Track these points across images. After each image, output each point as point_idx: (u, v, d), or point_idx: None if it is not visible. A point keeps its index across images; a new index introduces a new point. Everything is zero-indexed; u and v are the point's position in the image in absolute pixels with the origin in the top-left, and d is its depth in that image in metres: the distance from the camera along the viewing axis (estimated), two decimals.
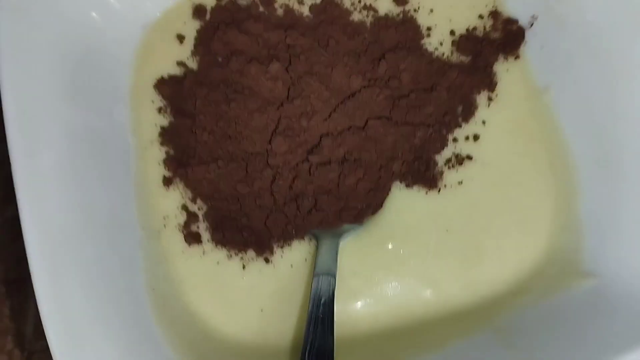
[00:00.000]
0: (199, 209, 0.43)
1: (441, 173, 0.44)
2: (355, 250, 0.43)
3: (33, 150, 0.37)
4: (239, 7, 0.47)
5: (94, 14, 0.43)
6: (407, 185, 0.43)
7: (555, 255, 0.41)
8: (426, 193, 0.43)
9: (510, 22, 0.46)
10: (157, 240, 0.43)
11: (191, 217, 0.43)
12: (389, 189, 0.43)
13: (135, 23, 0.45)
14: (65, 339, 0.35)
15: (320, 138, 0.43)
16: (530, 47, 0.45)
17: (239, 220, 0.43)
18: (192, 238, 0.43)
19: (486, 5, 0.46)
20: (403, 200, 0.43)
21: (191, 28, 0.46)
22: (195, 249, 0.43)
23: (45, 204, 0.37)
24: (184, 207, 0.43)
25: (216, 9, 0.47)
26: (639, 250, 0.38)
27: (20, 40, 0.38)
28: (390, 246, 0.43)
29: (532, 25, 0.45)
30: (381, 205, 0.43)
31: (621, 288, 0.38)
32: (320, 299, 0.39)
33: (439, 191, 0.43)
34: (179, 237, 0.43)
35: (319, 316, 0.38)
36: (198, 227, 0.43)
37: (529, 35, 0.45)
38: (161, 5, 0.46)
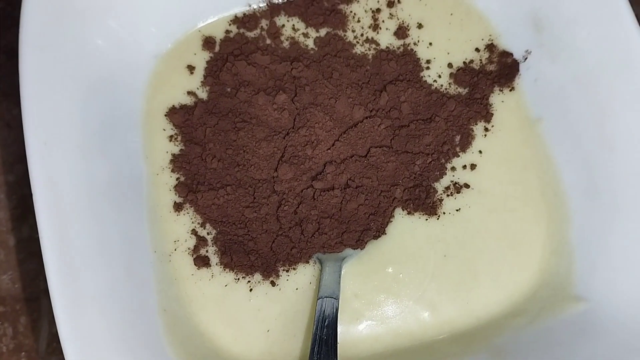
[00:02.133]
0: (208, 233, 0.45)
1: (440, 200, 0.46)
2: (357, 274, 0.45)
3: (53, 177, 0.39)
4: (247, 39, 0.49)
5: (110, 47, 0.45)
6: (409, 213, 0.45)
7: (547, 279, 0.43)
8: (426, 219, 0.45)
9: (506, 55, 0.48)
10: (169, 263, 0.44)
11: (200, 241, 0.45)
12: (391, 215, 0.45)
13: (148, 54, 0.48)
14: (82, 358, 0.36)
15: (324, 165, 0.46)
16: (524, 80, 0.47)
17: (246, 245, 0.45)
18: (201, 261, 0.45)
19: (482, 39, 0.49)
20: (404, 226, 0.45)
21: (201, 59, 0.49)
22: (204, 272, 0.45)
23: (64, 227, 0.39)
24: (194, 232, 0.45)
25: (225, 41, 0.49)
26: (627, 275, 0.40)
27: (42, 73, 0.40)
28: (390, 270, 0.45)
29: (526, 59, 0.47)
30: (384, 231, 0.45)
31: (609, 312, 0.40)
32: (324, 321, 0.40)
33: (438, 218, 0.46)
34: (189, 261, 0.45)
35: (323, 337, 0.40)
36: (207, 251, 0.45)
37: (523, 68, 0.47)
38: (172, 37, 0.48)
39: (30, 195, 0.41)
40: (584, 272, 0.42)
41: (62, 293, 0.37)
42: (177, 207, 0.46)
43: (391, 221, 0.45)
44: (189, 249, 0.45)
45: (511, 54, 0.48)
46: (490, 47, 0.48)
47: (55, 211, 0.39)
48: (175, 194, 0.46)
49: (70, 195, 0.40)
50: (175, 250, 0.45)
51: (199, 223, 0.45)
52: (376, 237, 0.45)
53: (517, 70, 0.47)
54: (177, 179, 0.46)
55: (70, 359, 0.36)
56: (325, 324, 0.40)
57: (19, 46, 0.40)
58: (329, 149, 0.46)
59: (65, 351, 0.36)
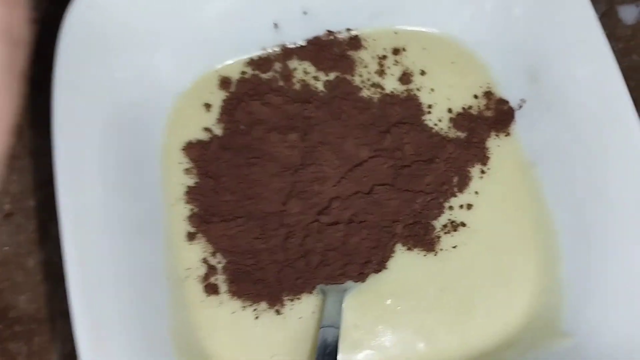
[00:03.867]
0: (218, 262, 0.48)
1: (438, 237, 0.48)
2: (357, 305, 0.47)
3: (78, 207, 0.42)
4: (261, 80, 0.52)
5: (134, 84, 0.48)
6: (408, 249, 0.48)
7: (537, 314, 0.46)
8: (424, 255, 0.48)
9: (502, 102, 0.51)
10: (181, 289, 0.47)
11: (211, 270, 0.47)
12: (392, 250, 0.48)
13: (168, 92, 0.51)
14: None
15: (330, 201, 0.48)
16: (520, 126, 0.50)
17: (253, 274, 0.47)
18: (210, 289, 0.47)
19: (480, 87, 0.52)
20: (403, 261, 0.48)
21: (217, 98, 0.52)
22: (213, 299, 0.47)
23: (86, 252, 0.41)
24: (205, 261, 0.48)
25: (241, 82, 0.52)
26: (613, 313, 0.43)
27: (71, 111, 0.43)
28: (389, 302, 0.47)
29: (521, 107, 0.50)
30: (385, 266, 0.48)
31: (596, 348, 0.42)
32: (326, 349, 0.43)
33: (436, 254, 0.48)
34: (200, 288, 0.47)
35: None
36: (217, 279, 0.47)
37: (518, 115, 0.50)
38: (191, 77, 0.52)
39: (49, 220, 0.43)
40: (572, 309, 0.44)
41: (83, 314, 0.39)
42: (191, 236, 0.48)
43: (392, 256, 0.48)
44: (199, 276, 0.47)
45: (507, 102, 0.51)
46: (488, 94, 0.52)
47: (80, 238, 0.41)
48: (189, 224, 0.48)
49: (93, 224, 0.43)
50: (187, 277, 0.47)
51: (210, 252, 0.48)
52: (377, 271, 0.48)
53: (513, 117, 0.51)
54: (191, 210, 0.49)
55: None
56: (327, 351, 0.42)
57: (52, 83, 0.43)
58: (335, 185, 0.49)
59: None
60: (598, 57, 0.42)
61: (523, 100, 0.50)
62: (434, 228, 0.49)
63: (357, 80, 0.52)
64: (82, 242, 0.41)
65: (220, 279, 0.47)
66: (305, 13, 0.51)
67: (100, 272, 0.42)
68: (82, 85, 0.44)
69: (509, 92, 0.51)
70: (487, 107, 0.52)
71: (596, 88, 0.43)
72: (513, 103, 0.51)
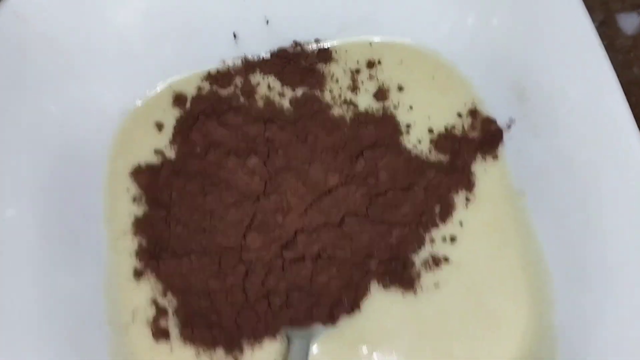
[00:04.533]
0: (169, 303, 0.42)
1: (418, 274, 0.43)
2: (327, 353, 0.42)
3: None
4: (220, 97, 0.47)
5: (74, 105, 0.43)
6: (385, 287, 0.43)
7: None
8: (402, 295, 0.43)
9: (489, 121, 0.46)
10: (125, 335, 0.42)
11: (161, 311, 0.42)
12: (366, 289, 0.43)
13: (114, 111, 0.46)
14: None
15: (295, 233, 0.43)
16: (508, 149, 0.45)
17: (209, 317, 0.42)
18: (160, 334, 0.42)
19: (465, 104, 0.47)
20: (379, 302, 0.43)
21: (170, 116, 0.47)
22: (163, 345, 0.42)
23: (7, 296, 0.36)
24: (154, 301, 0.43)
25: (197, 99, 0.47)
26: None
27: None
28: (365, 350, 0.42)
29: (509, 127, 0.45)
30: (358, 307, 0.42)
31: None
32: None
33: (415, 293, 0.43)
34: (148, 333, 0.42)
35: None
36: (167, 323, 0.42)
37: (506, 137, 0.45)
38: (141, 93, 0.47)
39: None
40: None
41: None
42: (138, 274, 0.43)
43: (367, 296, 0.43)
44: (148, 319, 0.42)
45: (495, 121, 0.46)
46: (473, 112, 0.47)
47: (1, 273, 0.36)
48: (136, 260, 0.43)
49: (19, 260, 0.37)
50: (133, 321, 0.42)
51: (159, 292, 0.43)
52: (349, 313, 0.42)
53: (501, 138, 0.45)
54: (139, 243, 0.44)
55: None
56: None
57: None
58: (301, 216, 0.43)
59: None
60: (595, 73, 0.37)
61: (512, 120, 0.45)
62: (413, 264, 0.43)
63: (327, 96, 0.47)
64: (3, 281, 0.36)
65: (171, 323, 0.42)
66: (268, 22, 0.46)
67: (24, 318, 0.36)
68: (6, 112, 0.39)
69: (496, 111, 0.46)
70: (473, 127, 0.46)
71: (592, 109, 0.38)
72: (501, 122, 0.46)
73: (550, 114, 0.41)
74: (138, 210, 0.44)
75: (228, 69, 0.47)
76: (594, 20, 0.56)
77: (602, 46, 0.37)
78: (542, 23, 0.40)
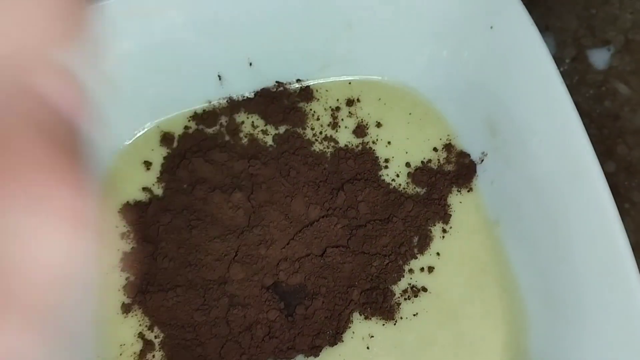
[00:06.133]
0: (155, 337, 0.44)
1: (398, 304, 0.44)
2: None
3: None
4: (206, 135, 0.49)
5: None
6: (366, 318, 0.44)
7: None
8: (383, 325, 0.44)
9: (463, 155, 0.48)
10: None
11: (147, 345, 0.43)
12: (348, 320, 0.44)
13: (103, 150, 0.47)
14: None
15: (278, 263, 0.44)
16: (481, 181, 0.47)
17: (194, 350, 0.43)
18: None
19: (440, 139, 0.49)
20: (360, 332, 0.44)
21: (158, 155, 0.48)
22: None
23: None
24: (141, 335, 0.44)
25: (183, 137, 0.49)
26: None
27: None
28: None
29: (482, 161, 0.47)
30: (341, 338, 0.43)
31: None
32: None
33: (395, 323, 0.44)
34: None
35: None
36: (154, 356, 0.43)
37: (480, 170, 0.47)
38: (130, 133, 0.48)
39: None
40: None
41: None
42: (126, 308, 0.44)
43: (349, 326, 0.44)
44: (134, 353, 0.43)
45: (468, 155, 0.48)
46: (448, 147, 0.48)
47: None
48: (124, 294, 0.44)
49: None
50: (120, 355, 0.43)
51: (146, 326, 0.44)
52: (332, 344, 0.43)
53: (475, 171, 0.47)
54: (127, 278, 0.45)
55: None
56: None
57: None
58: (284, 248, 0.45)
59: None
60: (557, 108, 0.39)
61: (484, 154, 0.47)
62: (393, 294, 0.45)
63: (308, 133, 0.49)
64: None
65: (157, 356, 0.43)
66: (251, 64, 0.48)
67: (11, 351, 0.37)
68: None
69: (470, 145, 0.48)
70: (448, 161, 0.48)
71: (556, 143, 0.39)
72: (474, 156, 0.47)
73: (521, 146, 0.42)
74: (126, 246, 0.46)
75: (214, 108, 0.49)
76: (566, 56, 0.58)
77: (563, 82, 0.39)
78: (509, 58, 0.42)
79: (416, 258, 0.46)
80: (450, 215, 0.46)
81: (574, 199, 0.38)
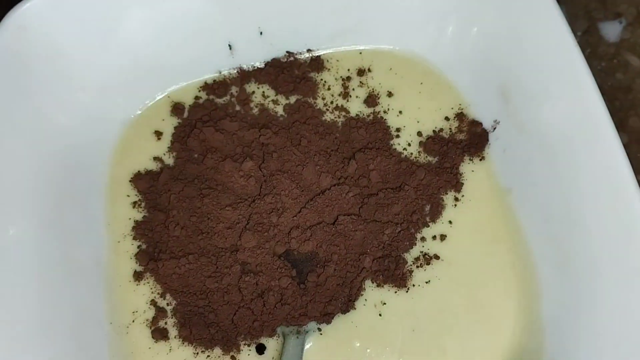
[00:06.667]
0: (167, 304, 0.44)
1: (410, 272, 0.44)
2: (321, 348, 0.43)
3: (1, 241, 0.38)
4: (216, 105, 0.48)
5: (73, 115, 0.44)
6: (378, 285, 0.44)
7: (517, 356, 0.41)
8: (395, 292, 0.44)
9: (475, 124, 0.48)
10: (125, 335, 0.43)
11: (160, 312, 0.43)
12: (361, 287, 0.44)
13: (114, 120, 0.47)
14: None
15: (290, 231, 0.44)
16: (493, 150, 0.47)
17: (206, 316, 0.43)
18: (159, 334, 0.43)
19: (452, 108, 0.48)
20: (373, 299, 0.44)
21: (169, 125, 0.48)
22: (162, 345, 0.43)
23: (10, 296, 0.37)
24: (153, 302, 0.44)
25: (194, 107, 0.48)
26: (597, 355, 0.38)
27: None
28: (357, 344, 0.43)
29: (494, 129, 0.47)
30: (353, 306, 0.43)
31: None
32: None
33: (408, 290, 0.44)
34: (147, 333, 0.43)
35: None
36: (166, 323, 0.43)
37: (492, 138, 0.47)
38: (141, 103, 0.48)
39: None
40: (555, 351, 0.40)
41: None
42: (137, 276, 0.44)
43: (362, 294, 0.44)
44: (147, 320, 0.43)
45: (480, 124, 0.47)
46: (460, 116, 0.48)
47: (1, 279, 0.37)
48: (136, 262, 0.44)
49: (20, 264, 0.39)
50: (133, 321, 0.43)
51: (159, 293, 0.44)
52: (344, 311, 0.43)
53: (487, 139, 0.47)
54: (139, 246, 0.45)
55: None
56: None
57: None
58: (295, 216, 0.45)
59: None
60: (571, 71, 0.38)
61: (496, 122, 0.46)
62: (405, 262, 0.45)
63: (319, 103, 0.49)
64: (4, 289, 0.37)
65: (170, 323, 0.43)
66: (261, 33, 0.48)
67: (26, 320, 0.37)
68: (9, 117, 0.40)
69: (482, 113, 0.47)
70: (460, 130, 0.48)
71: (570, 108, 0.39)
72: (486, 124, 0.47)
73: (534, 112, 0.42)
74: (138, 214, 0.46)
75: (224, 78, 0.49)
76: (577, 29, 0.57)
77: (578, 46, 0.39)
78: (522, 27, 0.42)
79: (428, 226, 0.45)
80: (462, 183, 0.46)
81: (588, 162, 0.38)
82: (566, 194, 0.40)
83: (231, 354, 0.42)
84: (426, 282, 0.44)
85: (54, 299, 0.40)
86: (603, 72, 0.57)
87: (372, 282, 0.44)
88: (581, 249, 0.39)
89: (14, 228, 0.39)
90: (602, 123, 0.37)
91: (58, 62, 0.43)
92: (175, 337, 0.43)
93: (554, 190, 0.41)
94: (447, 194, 0.46)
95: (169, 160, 0.47)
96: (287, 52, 0.49)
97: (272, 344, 0.43)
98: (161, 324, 0.43)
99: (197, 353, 0.42)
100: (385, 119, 0.48)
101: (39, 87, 0.42)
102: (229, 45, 0.48)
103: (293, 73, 0.49)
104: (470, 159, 0.47)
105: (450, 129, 0.48)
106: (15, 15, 0.40)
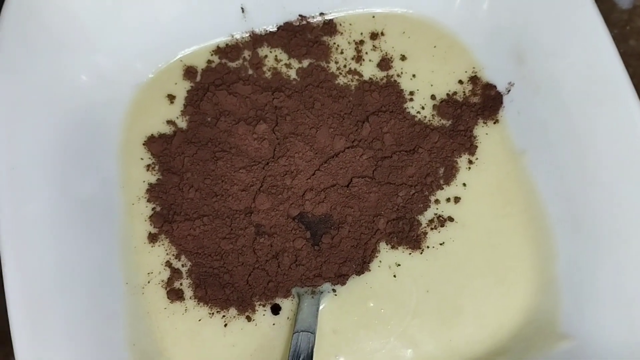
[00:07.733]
0: (182, 265, 0.44)
1: (424, 234, 0.44)
2: (336, 308, 0.43)
3: (19, 202, 0.38)
4: (229, 69, 0.48)
5: (87, 75, 0.44)
6: (392, 247, 0.44)
7: (532, 317, 0.42)
8: (410, 254, 0.44)
9: (489, 87, 0.47)
10: (141, 295, 0.43)
11: (175, 273, 0.44)
12: (375, 249, 0.44)
13: (127, 83, 0.47)
14: None
15: (304, 193, 0.44)
16: (508, 112, 0.47)
17: (221, 277, 0.43)
18: (174, 295, 0.43)
19: (466, 71, 0.48)
20: (387, 260, 0.44)
21: (182, 88, 0.48)
22: (178, 306, 0.43)
23: (28, 256, 0.38)
24: (168, 264, 0.44)
25: (207, 71, 0.48)
26: (614, 313, 0.38)
27: (15, 100, 0.39)
28: (371, 305, 0.43)
29: (509, 91, 0.46)
30: (368, 267, 0.44)
31: (596, 350, 0.38)
32: (299, 356, 0.39)
33: (422, 252, 0.44)
34: (162, 294, 0.43)
35: None
36: (181, 284, 0.43)
37: (506, 100, 0.47)
38: (153, 66, 0.48)
39: None
40: (571, 309, 0.40)
41: (23, 326, 0.36)
42: (152, 238, 0.44)
43: (376, 256, 0.44)
44: (162, 281, 0.44)
45: (494, 87, 0.47)
46: (474, 79, 0.48)
47: (20, 238, 0.37)
48: (151, 224, 0.45)
49: (38, 224, 0.39)
50: (148, 282, 0.43)
51: (173, 255, 0.44)
52: (359, 272, 0.44)
53: (501, 102, 0.47)
54: (153, 209, 0.45)
55: None
56: (300, 359, 0.39)
57: None
58: (309, 178, 0.45)
59: None
60: (587, 28, 0.38)
61: (511, 84, 0.46)
62: (419, 224, 0.45)
63: (332, 67, 0.48)
64: (23, 246, 0.37)
65: (185, 284, 0.44)
66: None
67: (45, 278, 0.38)
68: (25, 73, 0.40)
69: (496, 76, 0.47)
70: (474, 93, 0.48)
71: (586, 65, 0.39)
72: (500, 87, 0.47)
73: (548, 72, 0.42)
74: (152, 177, 0.46)
75: (236, 42, 0.49)
76: None
77: (595, 5, 0.39)
78: None
79: (442, 189, 0.46)
80: (477, 146, 0.46)
81: (605, 121, 0.38)
82: (582, 153, 0.40)
83: (246, 314, 0.43)
84: (440, 244, 0.44)
85: (71, 260, 0.40)
86: (616, 39, 0.56)
87: (387, 244, 0.44)
88: (597, 208, 0.39)
89: (32, 188, 0.39)
90: (620, 80, 0.37)
91: (71, 22, 0.43)
92: (190, 298, 0.43)
93: (570, 150, 0.41)
94: (460, 156, 0.46)
95: (182, 123, 0.47)
96: (299, 15, 0.49)
97: (287, 305, 0.43)
98: (176, 285, 0.44)
99: (213, 313, 0.43)
100: (399, 83, 0.48)
101: (52, 45, 0.42)
102: (242, 9, 0.48)
103: (306, 37, 0.49)
104: (484, 122, 0.47)
105: (464, 92, 0.48)
106: None
